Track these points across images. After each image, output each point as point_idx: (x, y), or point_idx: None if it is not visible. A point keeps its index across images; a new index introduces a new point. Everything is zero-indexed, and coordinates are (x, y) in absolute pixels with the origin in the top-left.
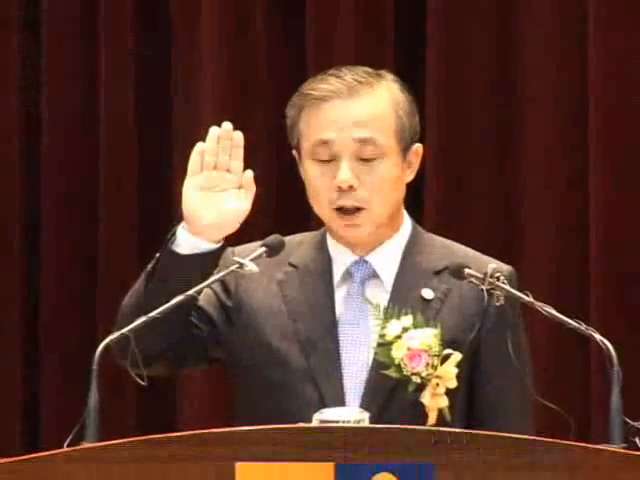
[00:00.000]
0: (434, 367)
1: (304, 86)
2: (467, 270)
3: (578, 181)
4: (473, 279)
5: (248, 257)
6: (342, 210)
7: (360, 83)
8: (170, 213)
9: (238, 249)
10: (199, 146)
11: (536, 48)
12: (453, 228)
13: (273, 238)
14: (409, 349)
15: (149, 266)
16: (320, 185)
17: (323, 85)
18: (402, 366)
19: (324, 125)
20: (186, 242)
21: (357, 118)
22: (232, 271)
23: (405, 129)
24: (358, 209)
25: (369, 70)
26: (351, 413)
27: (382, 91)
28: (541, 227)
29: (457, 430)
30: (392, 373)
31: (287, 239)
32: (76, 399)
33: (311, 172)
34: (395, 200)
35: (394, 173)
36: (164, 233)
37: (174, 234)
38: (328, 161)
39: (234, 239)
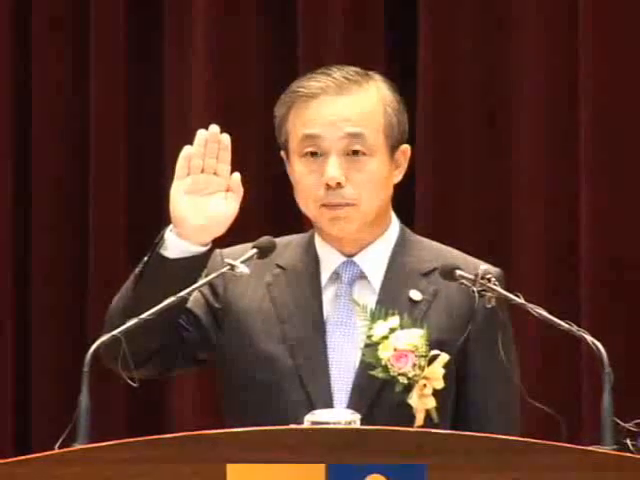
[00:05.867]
0: (421, 368)
1: (293, 84)
2: (458, 271)
3: (569, 181)
4: (464, 280)
5: (239, 259)
6: (329, 205)
7: (349, 81)
8: (161, 214)
9: (227, 251)
10: (186, 150)
11: (527, 49)
12: (443, 229)
13: (264, 240)
14: (396, 349)
15: (137, 269)
16: (307, 182)
17: (312, 83)
18: (389, 367)
19: (313, 121)
20: (174, 245)
21: (346, 114)
22: (223, 273)
23: (393, 127)
24: (346, 204)
25: (358, 70)
26: (342, 414)
27: (371, 89)
28: (531, 228)
29: (450, 432)
30: (379, 374)
31: (276, 241)
32: (67, 401)
33: (299, 169)
34: (383, 198)
35: (382, 171)
36: (155, 235)
37: (162, 237)
38: (316, 157)
39: (227, 242)
